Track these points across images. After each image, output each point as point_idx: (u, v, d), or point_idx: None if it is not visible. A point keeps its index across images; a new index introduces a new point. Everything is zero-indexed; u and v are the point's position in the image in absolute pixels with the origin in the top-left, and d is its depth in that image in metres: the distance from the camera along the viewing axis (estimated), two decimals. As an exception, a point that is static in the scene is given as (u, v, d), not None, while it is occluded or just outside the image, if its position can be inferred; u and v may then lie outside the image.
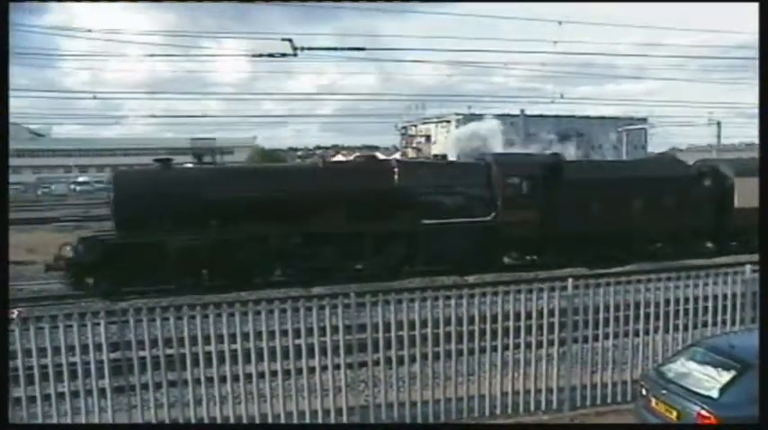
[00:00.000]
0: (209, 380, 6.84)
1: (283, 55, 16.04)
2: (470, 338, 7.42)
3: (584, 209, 17.59)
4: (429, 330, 7.27)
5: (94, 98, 68.46)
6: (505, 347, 7.72)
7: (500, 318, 7.59)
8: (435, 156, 19.58)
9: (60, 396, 6.55)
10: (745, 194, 17.56)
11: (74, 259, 14.87)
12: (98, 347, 6.55)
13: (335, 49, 17.72)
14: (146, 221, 14.78)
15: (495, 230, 17.10)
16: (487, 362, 7.49)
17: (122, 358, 6.62)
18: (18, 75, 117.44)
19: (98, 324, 6.55)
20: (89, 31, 59.34)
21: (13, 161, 29.06)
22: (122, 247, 14.69)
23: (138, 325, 6.60)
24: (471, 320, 7.41)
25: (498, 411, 7.53)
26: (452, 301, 7.37)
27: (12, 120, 50.33)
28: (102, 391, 6.61)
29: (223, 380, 6.85)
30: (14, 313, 6.57)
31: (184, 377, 6.75)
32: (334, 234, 15.90)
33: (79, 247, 15.02)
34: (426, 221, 16.51)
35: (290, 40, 16.21)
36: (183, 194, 15.27)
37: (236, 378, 6.85)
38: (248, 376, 6.91)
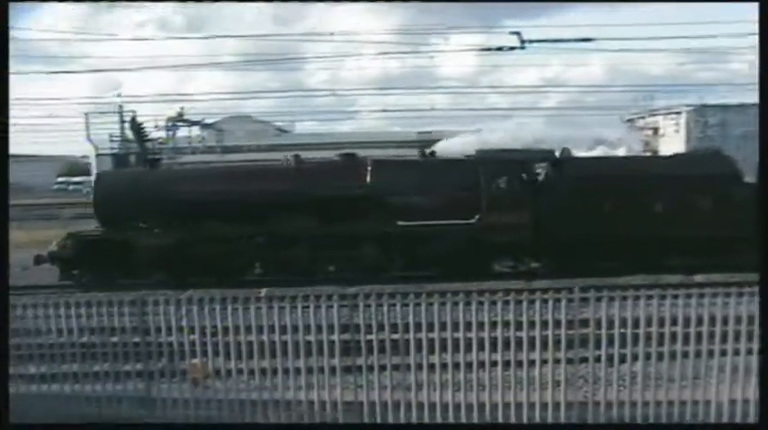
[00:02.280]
0: (431, 366, 7.02)
1: (511, 48, 16.05)
2: (697, 340, 7.03)
3: (587, 211, 15.59)
4: (654, 329, 6.97)
5: (333, 95, 72.65)
6: (735, 352, 7.23)
7: (731, 321, 7.10)
8: (423, 154, 17.53)
9: (296, 371, 7.05)
10: None
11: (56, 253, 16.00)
12: (330, 328, 6.96)
13: (562, 40, 17.46)
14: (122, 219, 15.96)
15: (479, 234, 15.65)
16: (715, 366, 7.06)
17: (351, 340, 6.98)
18: (269, 78, 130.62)
19: (331, 306, 6.95)
20: (331, 34, 63.21)
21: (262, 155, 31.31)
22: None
23: (366, 309, 6.93)
24: (699, 321, 7.01)
25: (725, 419, 7.09)
26: (680, 301, 7.01)
27: (260, 118, 54.51)
28: (332, 370, 7.03)
29: (444, 367, 7.01)
30: (262, 292, 7.11)
31: (407, 362, 7.00)
32: (304, 235, 15.57)
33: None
34: (402, 223, 15.65)
35: (517, 33, 16.15)
36: (155, 194, 15.96)
37: (455, 366, 6.99)
38: (468, 365, 7.02)
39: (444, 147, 18.09)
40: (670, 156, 17.73)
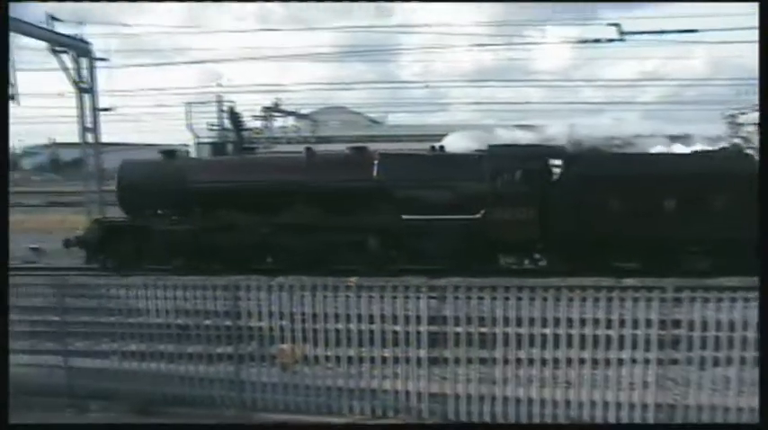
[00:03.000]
0: (518, 361, 7.01)
1: (609, 40, 15.76)
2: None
3: (593, 209, 15.15)
4: (749, 334, 6.79)
5: (426, 87, 73.76)
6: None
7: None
8: (433, 148, 17.47)
9: (383, 360, 7.15)
10: None
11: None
12: (417, 319, 7.04)
13: (664, 32, 17.04)
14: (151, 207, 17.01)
15: (482, 229, 15.52)
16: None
17: (438, 332, 7.04)
18: (364, 70, 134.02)
19: (419, 297, 7.03)
20: (426, 25, 64.70)
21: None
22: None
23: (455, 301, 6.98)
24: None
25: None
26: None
27: (354, 109, 55.70)
28: (418, 361, 7.10)
29: (531, 362, 7.00)
30: (352, 280, 7.26)
31: (494, 355, 7.01)
32: (311, 226, 15.79)
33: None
34: (406, 217, 15.64)
35: (616, 25, 15.87)
36: (173, 183, 16.77)
37: (544, 362, 6.97)
38: (556, 361, 6.99)
39: (452, 142, 17.96)
40: (690, 154, 16.71)
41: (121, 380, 7.55)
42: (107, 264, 16.94)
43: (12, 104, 18.17)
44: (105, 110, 23.95)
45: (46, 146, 52.16)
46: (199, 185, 16.73)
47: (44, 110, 48.11)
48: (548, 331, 6.89)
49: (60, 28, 20.97)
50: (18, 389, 7.46)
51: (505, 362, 6.97)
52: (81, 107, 21.77)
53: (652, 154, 16.94)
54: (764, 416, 5.21)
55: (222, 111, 35.67)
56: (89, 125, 21.98)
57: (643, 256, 15.55)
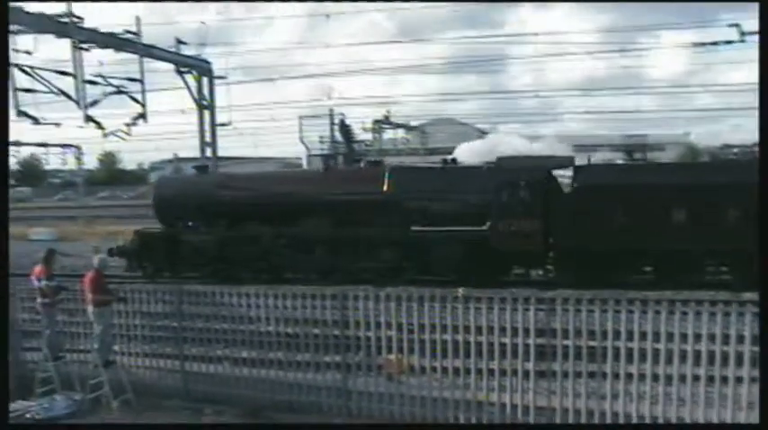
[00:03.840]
0: (628, 376, 6.89)
1: (728, 42, 15.32)
2: None
3: (599, 221, 14.75)
4: None
5: (536, 97, 74.36)
6: None
7: None
8: (444, 160, 17.68)
9: (490, 372, 7.17)
10: None
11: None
12: (525, 331, 7.04)
13: None
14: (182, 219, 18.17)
15: (488, 241, 15.48)
16: None
17: (547, 344, 7.01)
18: (474, 82, 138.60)
19: (528, 309, 7.04)
20: (536, 34, 65.59)
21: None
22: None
23: (564, 313, 6.96)
24: None
25: None
26: None
27: (463, 120, 56.46)
28: (525, 373, 7.08)
29: (642, 378, 6.87)
30: (459, 291, 7.35)
31: (604, 370, 6.92)
32: (327, 237, 16.45)
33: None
34: (416, 228, 15.94)
35: (736, 26, 15.42)
36: (202, 197, 17.95)
37: (654, 377, 6.82)
38: (668, 378, 6.83)
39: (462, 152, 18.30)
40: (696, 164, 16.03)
41: (233, 385, 7.84)
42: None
43: (140, 122, 19.70)
44: (223, 125, 25.12)
45: (170, 161, 55.43)
46: (218, 198, 17.97)
47: (169, 126, 50.67)
48: (660, 346, 6.76)
49: (185, 50, 22.50)
50: (141, 391, 7.91)
51: (615, 376, 6.87)
52: (201, 123, 23.15)
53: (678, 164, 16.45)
54: (764, 416, 5.18)
55: (333, 123, 36.64)
56: (208, 140, 23.32)
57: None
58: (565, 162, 16.14)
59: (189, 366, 8.10)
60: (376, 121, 41.18)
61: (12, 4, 17.72)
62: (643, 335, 6.81)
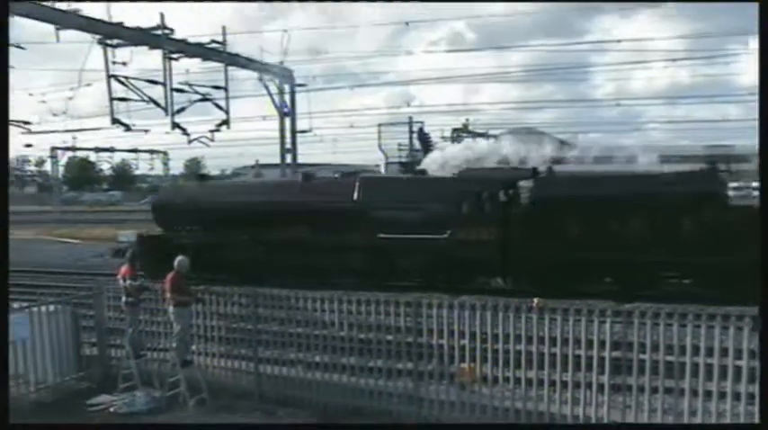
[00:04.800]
0: (707, 393, 6.78)
1: None
2: None
3: (558, 231, 15.03)
4: None
5: (618, 106, 72.94)
6: None
7: None
8: (417, 171, 18.53)
9: (563, 384, 7.15)
10: None
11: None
12: (602, 344, 7.01)
13: None
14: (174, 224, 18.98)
15: (450, 249, 15.89)
16: None
17: (623, 358, 6.96)
18: (554, 91, 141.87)
19: (604, 322, 7.01)
20: (618, 41, 63.93)
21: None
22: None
23: (641, 327, 6.91)
24: None
25: None
26: None
27: (541, 130, 57.29)
28: (600, 387, 7.03)
29: (722, 396, 6.75)
30: (534, 301, 7.38)
31: (681, 386, 6.82)
32: (302, 243, 17.04)
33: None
34: (383, 236, 16.32)
35: None
36: (194, 204, 18.79)
37: (735, 396, 6.69)
38: (750, 396, 6.69)
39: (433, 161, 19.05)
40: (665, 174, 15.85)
41: (306, 388, 7.99)
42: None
43: (224, 129, 20.46)
44: (303, 132, 25.77)
45: (252, 166, 57.09)
46: (206, 206, 18.88)
47: (251, 133, 52.87)
48: (742, 363, 6.65)
49: (267, 58, 23.42)
50: (217, 391, 8.12)
51: (694, 393, 6.77)
52: (282, 130, 23.83)
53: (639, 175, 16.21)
54: (764, 416, 5.17)
55: (412, 132, 36.89)
56: (289, 146, 23.97)
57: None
58: (526, 174, 16.77)
59: (263, 368, 8.29)
60: (455, 130, 41.34)
61: (112, 21, 18.82)
62: (724, 351, 6.73)
